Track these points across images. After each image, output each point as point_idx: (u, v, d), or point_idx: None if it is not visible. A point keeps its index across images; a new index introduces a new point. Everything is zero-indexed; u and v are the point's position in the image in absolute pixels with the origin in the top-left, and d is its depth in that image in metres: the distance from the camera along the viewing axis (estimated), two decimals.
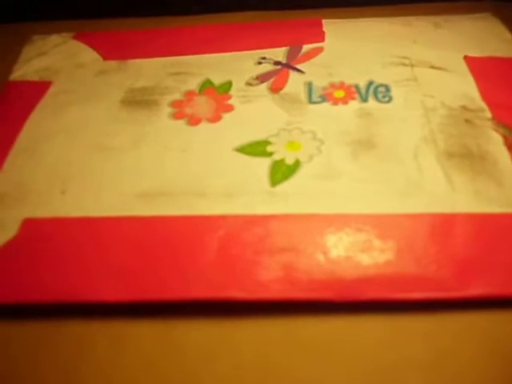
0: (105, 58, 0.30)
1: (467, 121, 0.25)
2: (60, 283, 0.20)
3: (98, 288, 0.20)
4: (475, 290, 0.19)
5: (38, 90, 0.28)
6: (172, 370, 0.19)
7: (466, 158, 0.23)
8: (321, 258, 0.20)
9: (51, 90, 0.29)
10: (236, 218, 0.21)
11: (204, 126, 0.26)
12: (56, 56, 0.31)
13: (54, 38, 0.32)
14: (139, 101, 0.27)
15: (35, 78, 0.29)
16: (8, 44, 0.33)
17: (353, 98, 0.27)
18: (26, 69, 0.30)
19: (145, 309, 0.20)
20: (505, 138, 0.24)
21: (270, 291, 0.19)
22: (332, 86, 0.27)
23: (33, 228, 0.22)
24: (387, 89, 0.27)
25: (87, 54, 0.31)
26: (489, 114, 0.25)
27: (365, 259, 0.20)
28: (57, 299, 0.19)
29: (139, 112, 0.27)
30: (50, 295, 0.19)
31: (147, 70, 0.29)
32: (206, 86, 0.28)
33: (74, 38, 0.32)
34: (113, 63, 0.30)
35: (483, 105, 0.26)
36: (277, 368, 0.19)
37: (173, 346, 0.19)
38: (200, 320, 0.20)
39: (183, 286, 0.20)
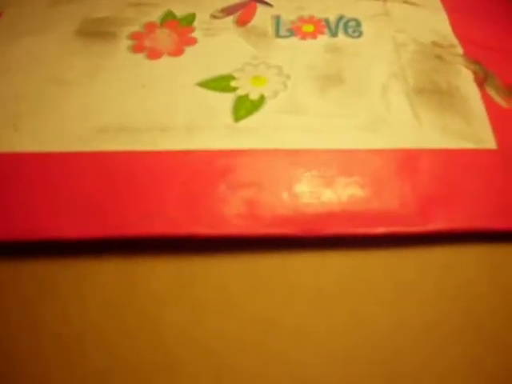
0: None
1: (438, 57, 0.24)
2: (19, 219, 0.19)
3: (59, 224, 0.19)
4: (438, 225, 0.19)
5: None
6: (133, 308, 0.18)
7: (436, 94, 0.23)
8: (284, 193, 0.20)
9: (1, 21, 0.26)
10: (199, 153, 0.21)
11: (165, 60, 0.24)
12: None
13: None
14: (95, 32, 0.25)
15: None
16: None
17: (322, 33, 0.26)
18: None
19: (107, 247, 0.19)
20: (475, 74, 0.24)
21: (233, 227, 0.19)
22: (301, 19, 0.26)
23: None
24: (358, 23, 0.26)
25: None
26: (460, 50, 0.25)
27: (328, 194, 0.20)
28: (16, 236, 0.19)
29: (95, 44, 0.25)
30: (8, 232, 0.19)
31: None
32: (168, 18, 0.26)
33: None
34: None
35: (455, 41, 0.25)
36: (238, 304, 0.18)
37: (135, 284, 0.19)
38: (163, 257, 0.19)
39: (146, 222, 0.19)
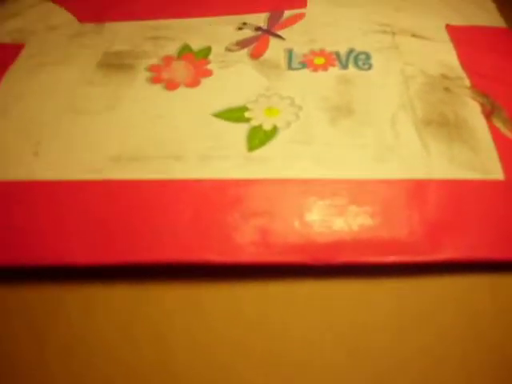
0: (80, 20, 0.30)
1: (446, 89, 0.25)
2: (33, 245, 0.20)
3: (72, 250, 0.19)
4: (446, 254, 0.19)
5: (10, 52, 0.28)
6: (144, 332, 0.19)
7: (444, 125, 0.23)
8: (296, 221, 0.20)
9: (24, 52, 0.28)
10: (212, 182, 0.21)
11: (182, 91, 0.25)
12: (30, 17, 0.30)
13: None
14: (115, 64, 0.27)
15: (7, 39, 0.29)
16: None
17: (333, 65, 0.26)
18: None
19: (119, 272, 0.20)
20: (482, 106, 0.24)
21: (246, 254, 0.19)
22: (312, 52, 0.27)
23: (3, 190, 0.21)
24: (367, 56, 0.27)
25: (62, 16, 0.30)
26: (467, 82, 0.25)
27: (339, 223, 0.20)
28: (30, 261, 0.19)
29: (115, 75, 0.26)
30: (22, 257, 0.19)
31: (124, 33, 0.29)
32: (185, 51, 0.27)
33: None
34: (89, 26, 0.29)
35: (462, 73, 0.26)
36: (249, 330, 0.19)
37: (146, 308, 0.19)
38: (174, 283, 0.20)
39: (158, 249, 0.19)
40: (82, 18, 0.30)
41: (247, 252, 0.19)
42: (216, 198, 0.21)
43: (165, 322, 0.19)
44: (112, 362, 0.18)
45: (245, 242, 0.20)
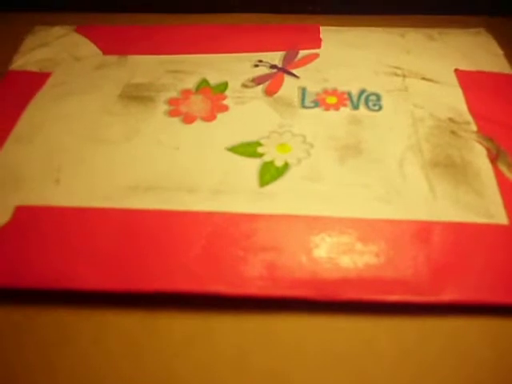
0: (104, 53, 0.31)
1: (453, 132, 0.26)
2: (48, 270, 0.20)
3: (85, 276, 0.20)
4: (449, 296, 0.20)
5: (37, 80, 0.29)
6: (154, 360, 0.19)
7: (450, 168, 0.24)
8: (303, 257, 0.21)
9: (50, 80, 0.29)
10: (223, 215, 0.22)
11: (198, 125, 0.26)
12: (57, 48, 0.31)
13: (56, 30, 0.33)
14: (136, 96, 0.28)
15: (35, 68, 0.30)
16: (10, 33, 0.33)
17: (344, 105, 0.27)
18: (27, 59, 0.31)
19: (129, 299, 0.20)
20: (488, 150, 0.25)
21: (253, 287, 0.20)
22: (325, 91, 0.28)
23: (25, 215, 0.22)
24: (378, 97, 0.28)
25: (87, 48, 0.31)
26: (474, 127, 0.26)
27: (345, 261, 0.21)
28: (43, 285, 0.20)
29: (135, 107, 0.27)
30: (37, 281, 0.20)
31: (145, 66, 0.30)
32: (203, 86, 0.29)
33: (76, 30, 0.33)
34: (112, 58, 0.31)
35: (469, 118, 0.27)
36: (253, 362, 0.19)
37: (155, 336, 0.20)
38: (183, 312, 0.20)
39: (168, 278, 0.20)
40: (106, 50, 0.31)
41: (254, 285, 0.20)
42: (226, 231, 0.22)
43: (173, 351, 0.19)
44: None
45: (253, 276, 0.20)
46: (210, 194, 0.23)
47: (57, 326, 0.20)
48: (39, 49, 0.31)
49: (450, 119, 0.26)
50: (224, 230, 0.22)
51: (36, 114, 0.27)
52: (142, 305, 0.20)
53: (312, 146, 0.25)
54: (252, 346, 0.20)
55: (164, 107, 0.27)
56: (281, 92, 0.28)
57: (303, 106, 0.27)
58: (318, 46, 0.31)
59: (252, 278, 0.20)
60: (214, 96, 0.28)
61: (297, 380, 0.19)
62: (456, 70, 0.29)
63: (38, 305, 0.20)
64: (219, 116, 0.27)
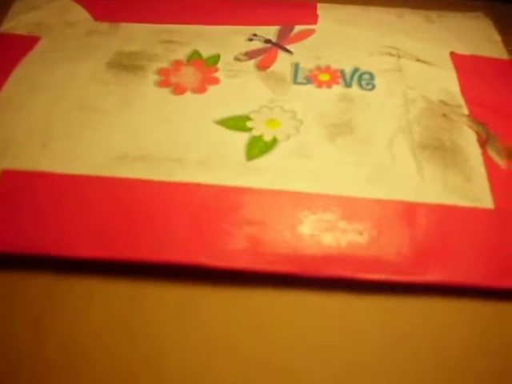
0: (96, 19, 0.30)
1: (444, 115, 0.26)
2: (35, 235, 0.20)
3: (73, 243, 0.20)
4: (431, 276, 0.20)
5: (25, 44, 0.28)
6: (138, 330, 0.19)
7: (439, 150, 0.24)
8: (287, 233, 0.21)
9: (39, 45, 0.28)
10: (210, 187, 0.22)
11: (188, 96, 0.26)
12: (47, 12, 0.30)
13: None
14: (126, 65, 0.27)
15: (24, 32, 0.29)
16: None
17: (337, 83, 0.27)
18: (16, 22, 0.30)
19: (116, 268, 0.20)
20: (478, 135, 0.25)
21: (237, 261, 0.20)
22: (318, 68, 0.28)
23: (12, 179, 0.22)
24: (371, 77, 0.27)
25: (79, 13, 0.31)
26: (466, 111, 0.26)
27: (328, 238, 0.21)
28: (31, 250, 0.20)
29: (125, 76, 0.27)
30: (24, 246, 0.20)
31: (138, 35, 0.29)
32: (194, 57, 0.28)
33: None
34: (104, 25, 0.30)
35: (462, 101, 0.26)
36: (237, 334, 0.19)
37: (141, 306, 0.20)
38: (168, 281, 0.20)
39: (156, 249, 0.20)
40: (98, 16, 0.30)
41: (239, 259, 0.20)
42: (213, 203, 0.22)
43: (158, 321, 0.19)
44: (105, 356, 0.19)
45: (237, 249, 0.20)
46: (198, 166, 0.23)
47: (43, 293, 0.20)
48: (29, 12, 0.30)
49: (442, 102, 0.26)
50: (210, 202, 0.22)
51: (24, 80, 0.26)
52: (128, 275, 0.20)
53: (302, 122, 0.25)
54: (236, 319, 0.20)
55: (154, 77, 0.27)
56: (273, 67, 0.28)
57: (295, 82, 0.27)
58: (314, 22, 0.31)
59: (236, 251, 0.20)
60: (205, 68, 0.28)
61: (278, 352, 0.19)
62: (452, 54, 0.29)
63: (25, 271, 0.20)
64: (210, 88, 0.26)
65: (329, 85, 0.27)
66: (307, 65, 0.28)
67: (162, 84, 0.26)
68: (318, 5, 0.32)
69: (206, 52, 0.28)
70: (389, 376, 0.19)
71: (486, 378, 0.19)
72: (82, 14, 0.31)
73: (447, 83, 0.27)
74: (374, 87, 0.27)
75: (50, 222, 0.21)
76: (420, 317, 0.20)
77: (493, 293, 0.20)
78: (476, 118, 0.25)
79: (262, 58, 0.28)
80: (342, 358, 0.19)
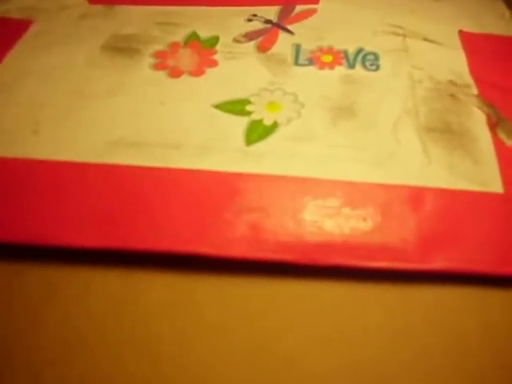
0: (90, 2, 0.29)
1: (452, 96, 0.25)
2: (29, 224, 0.20)
3: (68, 232, 0.20)
4: (437, 264, 0.19)
5: (18, 27, 0.28)
6: (135, 320, 0.19)
7: (446, 133, 0.23)
8: (289, 220, 0.20)
9: (32, 29, 0.28)
10: (208, 173, 0.21)
11: (185, 79, 0.25)
12: None
13: None
14: (121, 48, 0.26)
15: (17, 15, 0.29)
16: None
17: (340, 64, 0.26)
18: (8, 5, 0.29)
19: (113, 257, 0.20)
20: (488, 116, 0.24)
21: (236, 250, 0.19)
22: (320, 49, 0.27)
23: (3, 166, 0.21)
24: (376, 57, 0.26)
25: None
26: (475, 91, 0.25)
27: (331, 225, 0.20)
28: (26, 240, 0.19)
29: (120, 59, 0.26)
30: (18, 235, 0.19)
31: (134, 17, 0.28)
32: (192, 39, 0.27)
33: None
34: (98, 7, 0.29)
35: (471, 81, 0.25)
36: (233, 325, 0.19)
37: (137, 296, 0.19)
38: (165, 271, 0.20)
39: (153, 237, 0.20)
40: None
41: (239, 247, 0.19)
42: (212, 190, 0.21)
43: (154, 310, 0.19)
44: (102, 344, 0.18)
45: (237, 237, 0.20)
46: (195, 152, 0.22)
47: (40, 283, 0.20)
48: None
49: (450, 81, 0.25)
50: (209, 189, 0.21)
51: (16, 64, 0.26)
52: (125, 265, 0.20)
53: (303, 105, 0.24)
54: (233, 309, 0.19)
55: (150, 60, 0.26)
56: (274, 49, 0.27)
57: (297, 64, 0.26)
58: (316, 2, 0.30)
59: (236, 239, 0.20)
60: (203, 50, 0.27)
61: (278, 343, 0.18)
62: (460, 32, 0.28)
63: (21, 261, 0.20)
64: (208, 71, 0.25)
65: (331, 66, 0.26)
66: (309, 46, 0.27)
67: (158, 67, 0.26)
68: None
69: (205, 34, 0.28)
70: (393, 365, 0.18)
71: (494, 367, 0.18)
72: None
73: (455, 63, 0.26)
74: (378, 68, 0.26)
75: (43, 210, 0.20)
76: (426, 305, 0.19)
77: (501, 280, 0.19)
78: (486, 99, 0.24)
79: (262, 39, 0.27)
80: (344, 347, 0.18)
